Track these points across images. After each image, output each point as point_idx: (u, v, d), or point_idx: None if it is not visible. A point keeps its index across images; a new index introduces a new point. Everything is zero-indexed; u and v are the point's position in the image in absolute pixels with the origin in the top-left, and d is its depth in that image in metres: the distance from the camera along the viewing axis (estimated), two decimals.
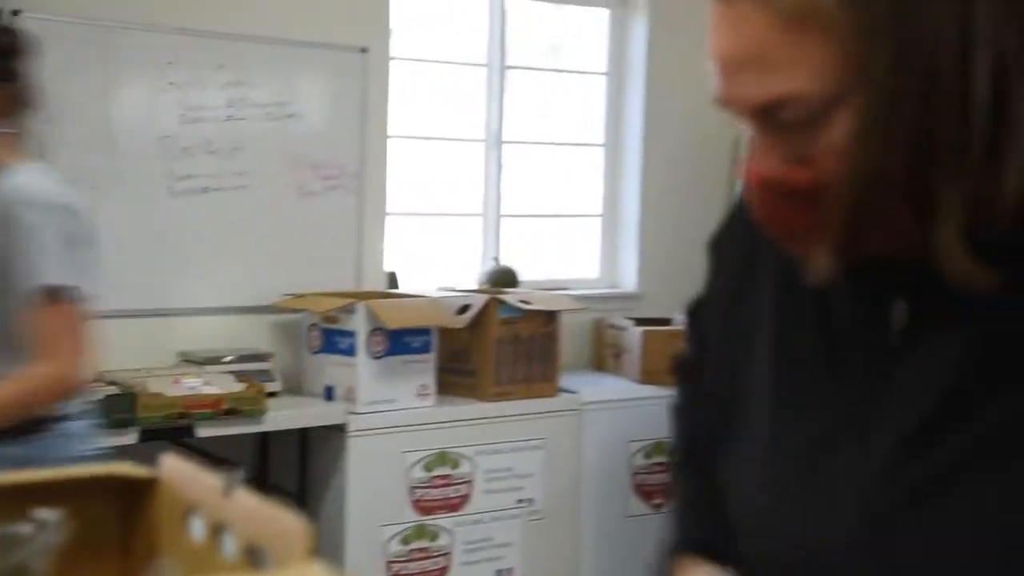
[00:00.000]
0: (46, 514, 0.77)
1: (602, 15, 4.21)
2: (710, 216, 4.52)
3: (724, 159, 4.33)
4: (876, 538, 0.82)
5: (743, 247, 0.99)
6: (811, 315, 0.90)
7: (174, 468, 0.84)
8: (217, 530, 0.77)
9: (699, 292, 1.11)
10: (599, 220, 4.30)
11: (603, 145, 4.27)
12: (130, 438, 2.70)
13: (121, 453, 2.46)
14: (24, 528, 0.76)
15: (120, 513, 0.89)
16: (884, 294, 0.85)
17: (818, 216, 0.78)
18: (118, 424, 2.71)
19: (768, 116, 0.78)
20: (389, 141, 3.66)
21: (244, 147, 3.34)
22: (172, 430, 2.80)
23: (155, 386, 2.84)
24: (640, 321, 3.94)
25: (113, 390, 2.79)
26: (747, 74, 0.78)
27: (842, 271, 0.83)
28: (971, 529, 0.78)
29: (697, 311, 1.11)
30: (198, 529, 0.78)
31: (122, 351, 3.14)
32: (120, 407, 2.73)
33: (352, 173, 3.54)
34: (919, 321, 0.83)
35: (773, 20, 0.75)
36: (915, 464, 0.81)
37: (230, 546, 0.74)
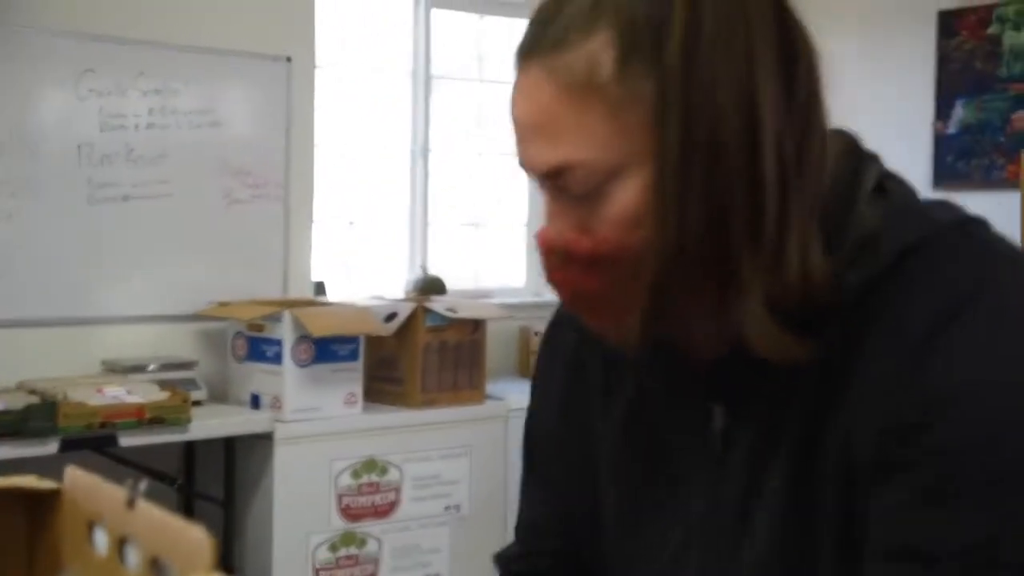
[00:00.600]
0: None
1: (524, 26, 4.26)
2: None
3: None
4: None
5: (570, 346, 0.99)
6: (636, 423, 0.92)
7: (78, 480, 0.84)
8: (121, 543, 0.77)
9: (530, 413, 1.07)
10: (524, 229, 4.34)
11: None
12: (51, 448, 2.67)
13: (42, 463, 2.43)
14: None
15: (24, 526, 0.88)
16: (703, 399, 0.86)
17: (601, 285, 0.80)
18: (38, 434, 2.68)
19: (555, 182, 0.80)
20: (315, 150, 3.66)
21: (167, 155, 3.32)
22: (94, 439, 2.77)
23: (77, 395, 2.81)
24: None
25: (34, 399, 2.76)
26: (537, 139, 0.80)
27: (647, 355, 0.86)
28: None
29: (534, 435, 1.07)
30: (101, 542, 0.78)
31: (43, 360, 3.10)
32: (41, 416, 2.69)
33: (278, 182, 3.54)
34: (737, 421, 0.85)
35: (559, 90, 0.78)
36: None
37: (133, 559, 0.74)
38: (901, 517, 0.75)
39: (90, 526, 0.81)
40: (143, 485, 0.79)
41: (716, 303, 0.79)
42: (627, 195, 0.77)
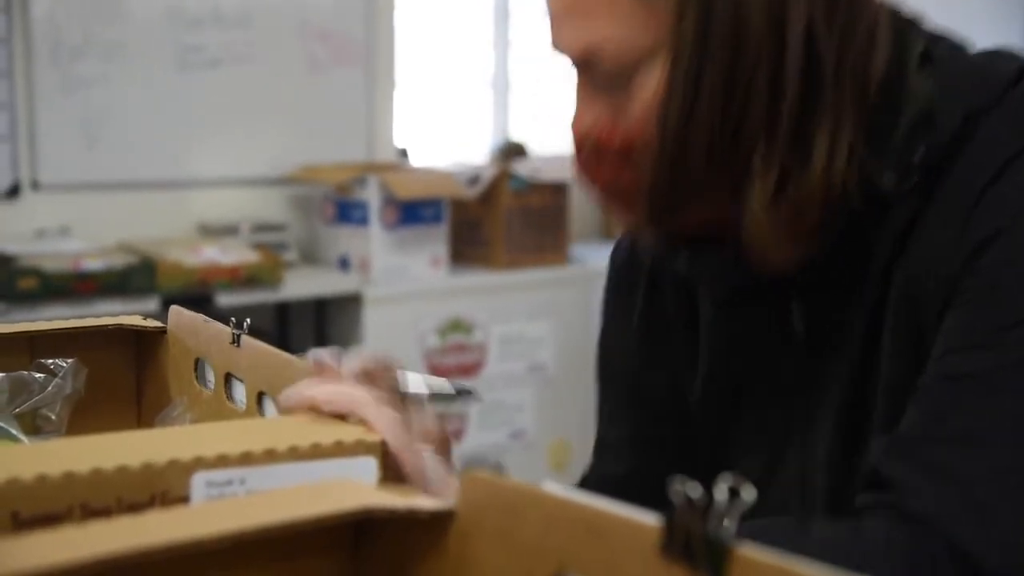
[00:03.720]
0: (59, 362, 0.80)
1: None
2: None
3: None
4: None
5: (643, 264, 0.99)
6: (717, 330, 0.92)
7: (183, 319, 0.89)
8: (226, 378, 0.81)
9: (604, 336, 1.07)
10: None
11: None
12: (151, 306, 2.79)
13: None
14: (37, 375, 0.78)
15: (134, 364, 0.94)
16: (781, 299, 0.86)
17: (633, 178, 0.79)
18: (139, 292, 2.80)
19: (587, 68, 0.81)
20: (396, 13, 3.65)
21: (253, 18, 3.35)
22: (192, 298, 2.88)
23: (174, 255, 2.91)
24: None
25: (133, 259, 2.87)
26: (569, 21, 0.81)
27: (719, 260, 0.85)
28: None
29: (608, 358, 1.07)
30: (208, 377, 0.82)
31: (140, 221, 3.21)
32: (141, 275, 2.81)
33: (360, 46, 3.54)
34: (817, 318, 0.85)
35: None
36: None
37: (239, 393, 0.79)
38: (958, 341, 0.75)
39: (196, 363, 0.87)
40: (247, 322, 0.84)
41: (727, 202, 0.78)
42: (655, 82, 0.77)
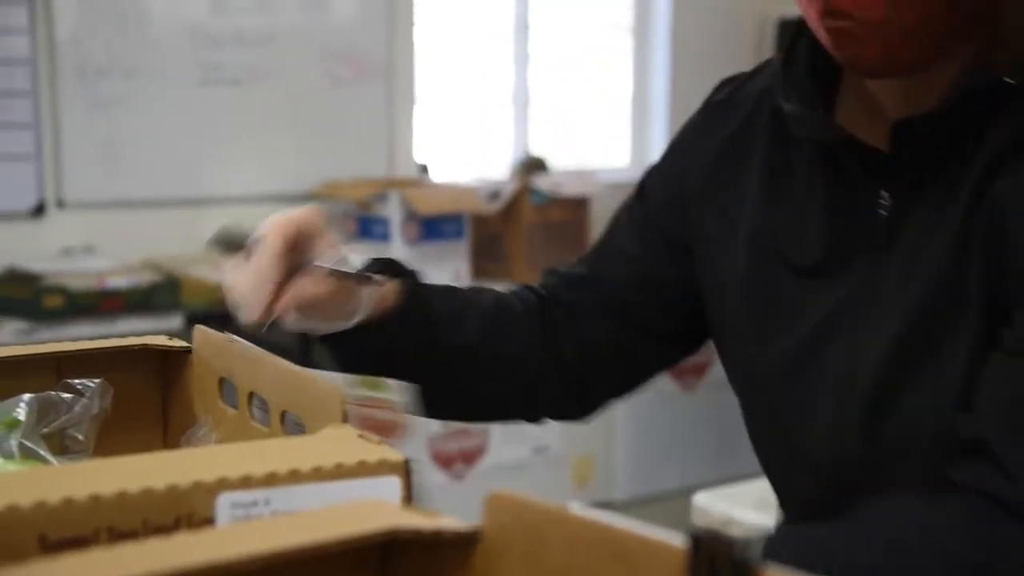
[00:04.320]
0: (86, 382, 0.80)
1: None
2: None
3: (752, 41, 4.29)
4: (873, 424, 0.86)
5: (726, 130, 1.01)
6: (796, 204, 0.93)
7: (208, 339, 0.89)
8: (251, 398, 0.82)
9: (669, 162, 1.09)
10: (628, 106, 4.30)
11: (632, 29, 4.24)
12: (175, 323, 2.80)
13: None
14: (64, 395, 0.78)
15: (159, 384, 0.94)
16: (869, 183, 0.88)
17: (889, 10, 0.81)
18: (164, 309, 2.82)
19: None
20: (415, 30, 3.67)
21: (274, 37, 3.37)
22: (216, 315, 2.89)
23: (197, 272, 2.93)
24: None
25: (157, 276, 2.88)
26: None
27: (826, 136, 0.88)
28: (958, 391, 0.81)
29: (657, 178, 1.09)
30: (232, 397, 0.83)
31: (164, 238, 3.23)
32: (165, 292, 2.83)
33: (381, 63, 3.56)
34: (902, 207, 0.87)
35: None
36: (909, 353, 0.84)
37: (264, 413, 0.79)
38: None
39: (221, 382, 0.87)
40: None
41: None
42: None
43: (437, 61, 3.85)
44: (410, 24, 3.64)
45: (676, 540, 0.40)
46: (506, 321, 1.04)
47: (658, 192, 1.06)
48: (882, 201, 0.88)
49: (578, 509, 0.43)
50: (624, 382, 1.08)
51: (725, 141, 1.01)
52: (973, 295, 0.81)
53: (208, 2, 3.26)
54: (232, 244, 0.95)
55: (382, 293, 0.96)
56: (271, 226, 0.91)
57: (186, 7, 3.23)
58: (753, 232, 0.96)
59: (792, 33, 0.95)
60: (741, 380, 0.99)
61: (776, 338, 0.93)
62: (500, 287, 1.12)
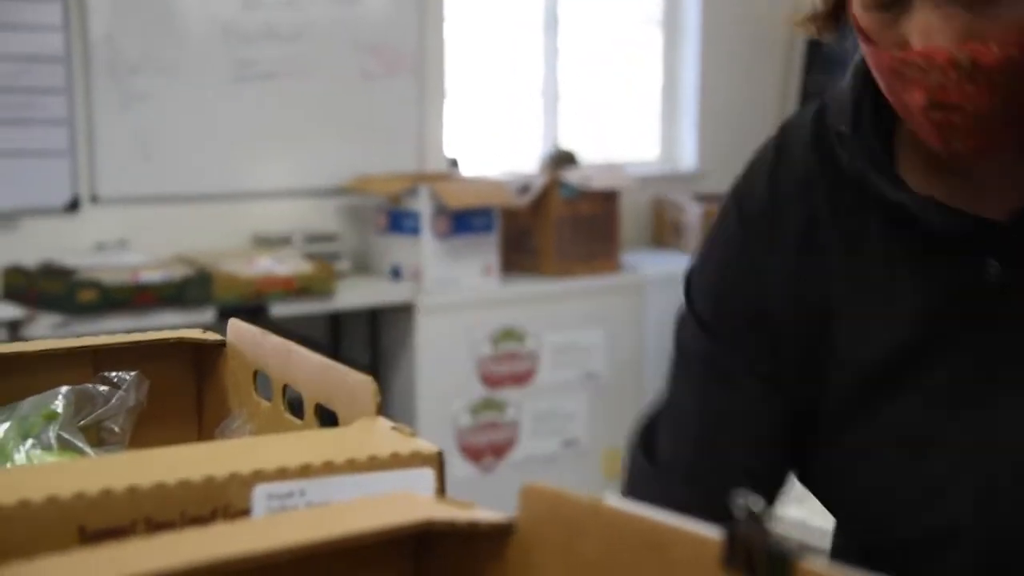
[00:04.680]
0: (122, 375, 0.80)
1: None
2: (769, 91, 4.50)
3: (782, 34, 4.26)
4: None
5: (803, 213, 0.92)
6: (894, 281, 0.89)
7: (242, 332, 0.90)
8: (285, 390, 0.82)
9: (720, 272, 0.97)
10: (658, 99, 4.28)
11: (661, 23, 4.23)
12: (207, 316, 2.83)
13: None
14: (100, 388, 0.78)
15: (193, 377, 0.95)
16: (974, 254, 0.85)
17: (998, 101, 0.78)
18: (196, 303, 2.84)
19: None
20: (446, 24, 3.67)
21: (305, 32, 3.38)
22: (247, 309, 2.92)
23: (229, 266, 2.95)
24: (700, 198, 3.96)
25: (190, 271, 2.91)
26: None
27: (927, 208, 0.84)
28: None
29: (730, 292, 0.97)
30: (266, 390, 0.83)
31: (196, 233, 3.25)
32: (198, 287, 2.85)
33: (411, 57, 3.57)
34: (1009, 276, 0.84)
35: None
36: None
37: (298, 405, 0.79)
38: None
39: (255, 375, 0.88)
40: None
41: None
42: None
43: (467, 55, 3.85)
44: (440, 19, 3.64)
45: (712, 532, 0.40)
46: None
47: (734, 335, 0.95)
48: (991, 270, 0.85)
49: (613, 501, 0.43)
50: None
51: (788, 248, 0.92)
52: None
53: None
54: None
55: None
56: None
57: (218, 4, 3.24)
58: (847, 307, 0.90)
59: (851, 102, 0.89)
60: (842, 459, 0.92)
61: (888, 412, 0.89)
62: None
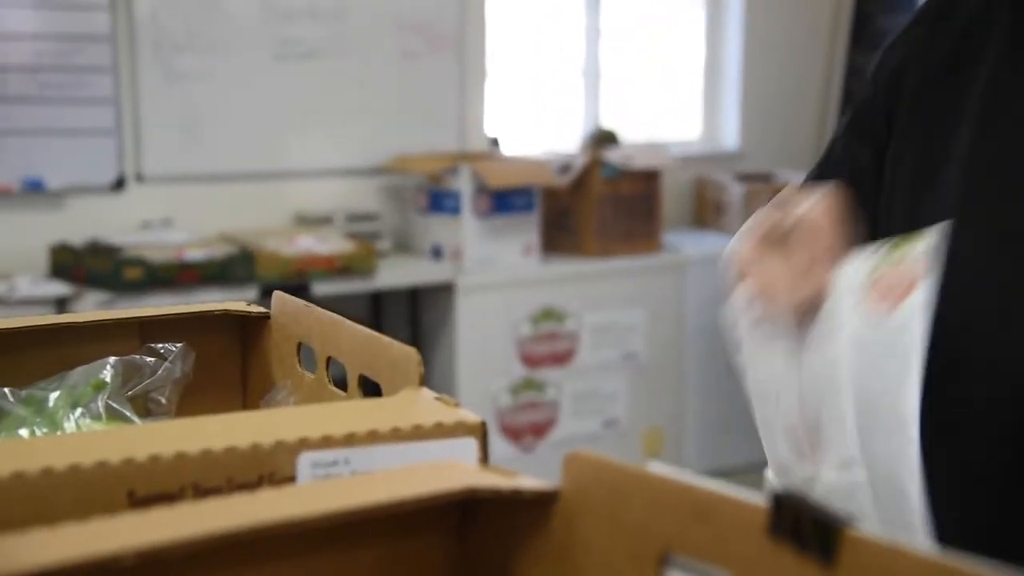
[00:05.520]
0: (168, 346, 0.81)
1: None
2: (814, 70, 4.44)
3: (828, 10, 4.21)
4: None
5: (970, 10, 0.94)
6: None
7: (286, 304, 0.90)
8: (329, 362, 0.82)
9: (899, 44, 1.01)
10: (700, 78, 4.25)
11: (704, 1, 4.19)
12: (250, 294, 2.85)
13: None
14: (147, 359, 0.79)
15: (238, 349, 0.96)
16: None
17: None
18: (239, 281, 2.86)
19: None
20: (487, 3, 3.66)
21: (347, 11, 3.39)
22: (289, 287, 2.93)
23: (272, 245, 2.97)
24: (741, 178, 3.93)
25: (233, 249, 2.93)
26: None
27: None
28: None
29: (889, 64, 1.01)
30: (310, 362, 0.83)
31: (239, 212, 3.28)
32: (240, 265, 2.87)
33: (452, 36, 3.56)
34: None
35: None
36: None
37: (342, 376, 0.80)
38: None
39: (299, 347, 0.88)
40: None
41: None
42: None
43: (508, 34, 3.84)
44: None
45: (757, 499, 0.40)
46: None
47: (868, 90, 1.00)
48: None
49: (658, 469, 0.43)
50: None
51: (955, 34, 0.94)
52: None
53: None
54: None
55: None
56: (817, 217, 0.83)
57: None
58: (974, 140, 0.89)
59: None
60: None
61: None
62: None
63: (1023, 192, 0.85)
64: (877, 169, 0.97)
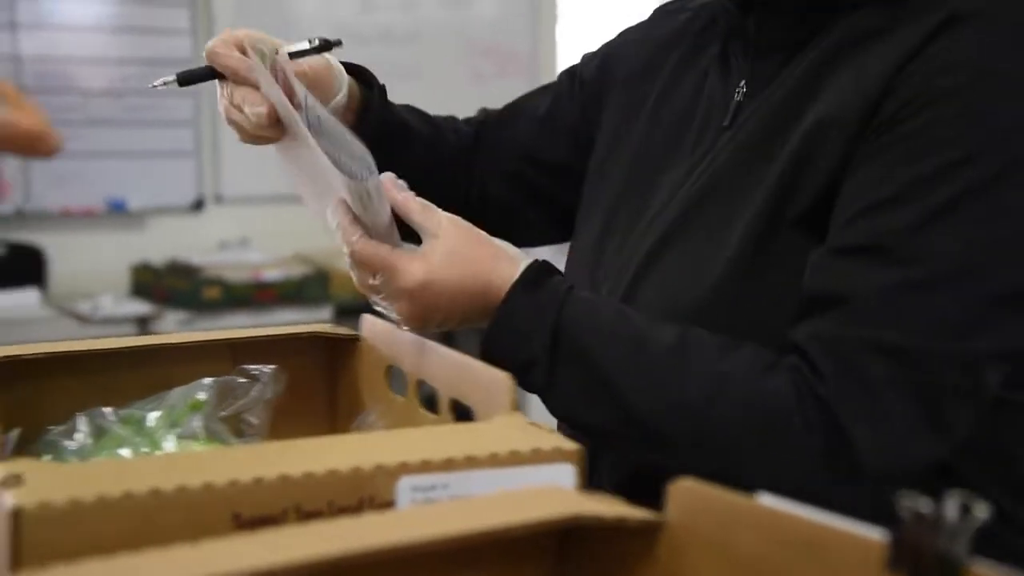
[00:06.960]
0: (261, 368, 0.82)
1: None
2: None
3: None
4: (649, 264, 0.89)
5: (660, 32, 1.07)
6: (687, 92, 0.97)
7: (376, 327, 0.91)
8: (419, 386, 0.83)
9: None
10: None
11: None
12: (324, 314, 2.88)
13: None
14: (240, 380, 0.80)
15: (326, 371, 0.97)
16: (741, 71, 0.90)
17: None
18: (314, 301, 2.89)
19: None
20: (558, 25, 3.68)
21: (420, 35, 3.43)
22: (362, 308, 2.96)
23: (345, 266, 3.00)
24: None
25: (308, 269, 2.97)
26: None
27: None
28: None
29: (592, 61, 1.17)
30: (400, 385, 0.84)
31: (313, 232, 3.32)
32: (315, 285, 2.90)
33: (523, 58, 3.58)
34: (749, 99, 0.88)
35: None
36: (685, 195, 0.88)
37: (433, 400, 0.80)
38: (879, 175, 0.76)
39: (388, 371, 0.89)
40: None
41: None
42: None
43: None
44: (553, 19, 3.65)
45: (874, 533, 0.39)
46: (441, 155, 1.11)
47: (586, 72, 1.14)
48: (740, 89, 0.89)
49: (768, 501, 0.43)
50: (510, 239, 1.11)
51: (654, 43, 1.06)
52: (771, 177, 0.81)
53: (358, 2, 3.33)
54: (195, 78, 0.95)
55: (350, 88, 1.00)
56: (222, 48, 0.94)
57: (337, 7, 3.30)
58: (640, 138, 0.99)
59: None
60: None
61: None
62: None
63: (643, 195, 0.94)
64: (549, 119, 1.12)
